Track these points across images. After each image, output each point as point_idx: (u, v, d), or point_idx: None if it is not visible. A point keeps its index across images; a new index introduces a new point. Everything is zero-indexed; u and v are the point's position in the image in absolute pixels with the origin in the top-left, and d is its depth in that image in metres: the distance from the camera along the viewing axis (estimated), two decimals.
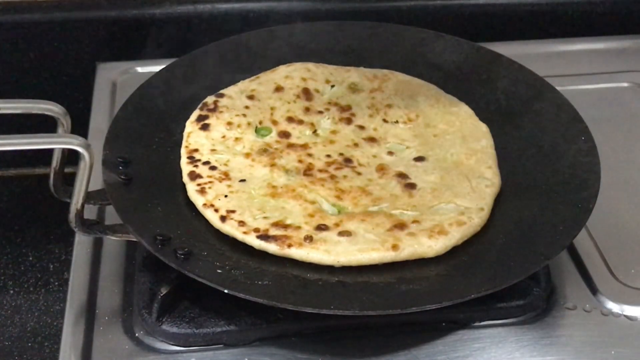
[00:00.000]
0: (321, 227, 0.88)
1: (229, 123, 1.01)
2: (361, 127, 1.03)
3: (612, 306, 0.91)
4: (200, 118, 1.02)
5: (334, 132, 1.03)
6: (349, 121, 1.04)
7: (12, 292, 1.14)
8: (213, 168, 0.95)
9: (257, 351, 0.85)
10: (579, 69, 1.27)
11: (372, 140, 1.02)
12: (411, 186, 0.95)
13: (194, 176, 0.94)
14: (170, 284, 0.86)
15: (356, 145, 1.01)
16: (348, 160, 0.98)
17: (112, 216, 0.92)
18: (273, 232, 0.87)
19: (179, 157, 0.97)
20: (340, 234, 0.88)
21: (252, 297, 0.80)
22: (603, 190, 0.91)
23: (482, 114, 1.05)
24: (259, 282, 0.83)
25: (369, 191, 0.94)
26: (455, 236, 0.88)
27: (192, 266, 0.83)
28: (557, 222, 0.89)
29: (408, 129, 1.04)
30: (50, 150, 0.90)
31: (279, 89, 1.07)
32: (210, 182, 0.93)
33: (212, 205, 0.90)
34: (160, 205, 0.91)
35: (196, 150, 0.98)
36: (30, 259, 1.18)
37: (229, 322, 0.85)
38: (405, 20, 1.34)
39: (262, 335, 0.86)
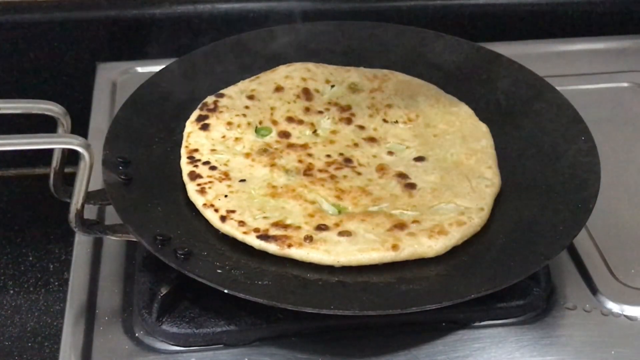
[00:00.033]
0: (321, 227, 0.88)
1: (229, 123, 1.01)
2: (361, 127, 1.03)
3: (612, 306, 0.91)
4: (200, 118, 1.02)
5: (334, 132, 1.03)
6: (349, 121, 1.04)
7: (12, 292, 1.14)
8: (213, 168, 0.95)
9: (257, 351, 0.85)
10: (579, 69, 1.27)
11: (372, 140, 1.02)
12: (411, 186, 0.95)
13: (194, 176, 0.94)
14: (170, 284, 0.86)
15: (356, 145, 1.01)
16: (348, 160, 0.98)
17: (112, 216, 0.92)
18: (273, 232, 0.87)
19: (179, 157, 0.97)
20: (340, 234, 0.88)
21: (252, 297, 0.80)
22: (603, 190, 0.91)
23: (482, 114, 1.05)
24: (259, 282, 0.83)
25: (369, 191, 0.94)
26: (455, 236, 0.88)
27: (192, 266, 0.83)
28: (557, 222, 0.89)
29: (408, 129, 1.04)
30: (50, 150, 0.90)
31: (279, 89, 1.07)
32: (210, 182, 0.93)
33: (212, 205, 0.90)
34: (160, 205, 0.91)
35: (196, 150, 0.98)
36: (30, 259, 1.18)
37: (229, 322, 0.85)
38: (405, 20, 1.34)
39: (262, 335, 0.86)
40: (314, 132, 1.02)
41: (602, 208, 0.92)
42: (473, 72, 1.11)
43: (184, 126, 1.01)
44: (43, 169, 1.29)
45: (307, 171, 0.96)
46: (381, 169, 0.97)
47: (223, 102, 1.04)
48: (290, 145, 1.00)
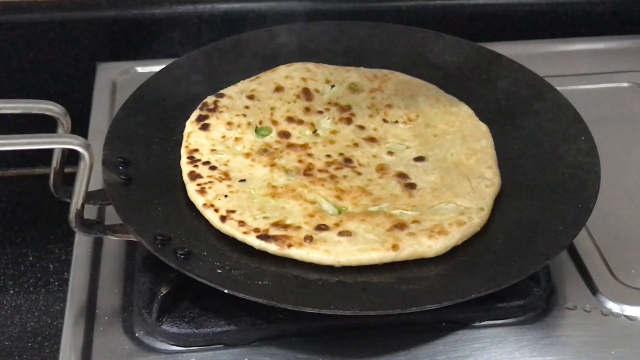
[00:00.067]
0: (321, 227, 0.88)
1: (229, 123, 1.01)
2: (361, 127, 1.03)
3: (612, 306, 0.91)
4: (200, 118, 1.02)
5: (334, 132, 1.03)
6: (349, 121, 1.04)
7: (12, 292, 1.14)
8: (213, 168, 0.95)
9: (257, 351, 0.85)
10: (579, 69, 1.27)
11: (372, 140, 1.02)
12: (411, 186, 0.95)
13: (194, 176, 0.94)
14: (170, 284, 0.86)
15: (356, 145, 1.01)
16: (348, 160, 0.98)
17: (112, 216, 0.92)
18: (273, 232, 0.87)
19: (179, 157, 0.97)
20: (340, 234, 0.88)
21: (252, 297, 0.80)
22: (603, 190, 0.92)
23: (482, 114, 1.05)
24: (259, 282, 0.83)
25: (369, 191, 0.94)
26: (455, 236, 0.88)
27: (192, 266, 0.83)
28: (557, 222, 0.89)
29: (408, 129, 1.04)
30: (50, 150, 0.90)
31: (279, 89, 1.07)
32: (210, 182, 0.93)
33: (212, 205, 0.90)
34: (160, 205, 0.91)
35: (196, 150, 0.98)
36: (30, 259, 1.18)
37: (229, 322, 0.85)
38: (405, 20, 1.34)
39: (262, 335, 0.86)
40: (314, 132, 1.02)
41: (602, 208, 0.92)
42: (473, 72, 1.11)
43: (184, 126, 1.01)
44: (43, 169, 1.29)
45: (307, 171, 0.96)
46: (381, 169, 0.97)
47: (223, 102, 1.04)
48: (290, 145, 1.00)
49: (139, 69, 1.25)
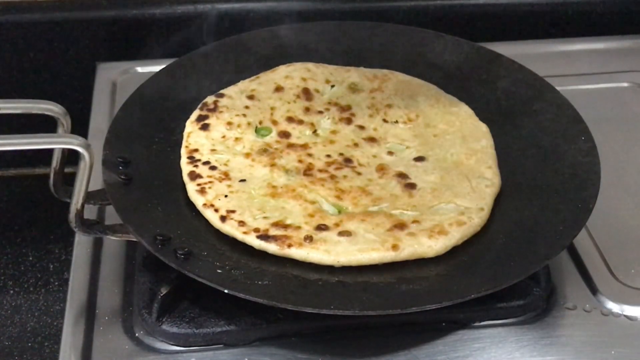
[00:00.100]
0: (321, 227, 0.88)
1: (229, 123, 1.01)
2: (361, 127, 1.03)
3: (612, 306, 0.91)
4: (200, 118, 1.02)
5: (334, 132, 1.03)
6: (349, 121, 1.04)
7: (12, 292, 1.14)
8: (213, 168, 0.95)
9: (257, 351, 0.85)
10: (579, 69, 1.27)
11: (372, 140, 1.02)
12: (411, 186, 0.95)
13: (194, 176, 0.94)
14: (170, 284, 0.86)
15: (356, 145, 1.01)
16: (348, 160, 0.98)
17: (112, 216, 0.92)
18: (273, 232, 0.87)
19: (179, 157, 0.97)
20: (340, 234, 0.88)
21: (252, 297, 0.80)
22: (603, 190, 0.92)
23: (482, 114, 1.05)
24: (259, 282, 0.83)
25: (369, 191, 0.94)
26: (455, 236, 0.88)
27: (192, 266, 0.83)
28: (557, 222, 0.89)
29: (408, 129, 1.04)
30: (50, 150, 0.90)
31: (279, 89, 1.07)
32: (210, 182, 0.93)
33: (212, 205, 0.90)
34: (160, 205, 0.91)
35: (196, 150, 0.98)
36: (30, 259, 1.18)
37: (229, 322, 0.85)
38: (405, 20, 1.34)
39: (262, 335, 0.86)
40: (314, 132, 1.02)
41: (602, 208, 0.92)
42: (473, 72, 1.11)
43: (184, 126, 1.01)
44: (43, 169, 1.29)
45: (307, 171, 0.96)
46: (381, 169, 0.97)
47: (223, 102, 1.04)
48: (290, 145, 1.00)
49: (139, 69, 1.25)
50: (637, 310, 0.90)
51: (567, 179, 0.94)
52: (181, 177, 0.95)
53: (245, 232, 0.88)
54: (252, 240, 0.87)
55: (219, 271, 0.83)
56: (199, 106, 1.04)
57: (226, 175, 0.95)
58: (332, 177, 0.95)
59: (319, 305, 0.80)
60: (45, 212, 1.24)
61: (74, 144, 0.81)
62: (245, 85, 1.08)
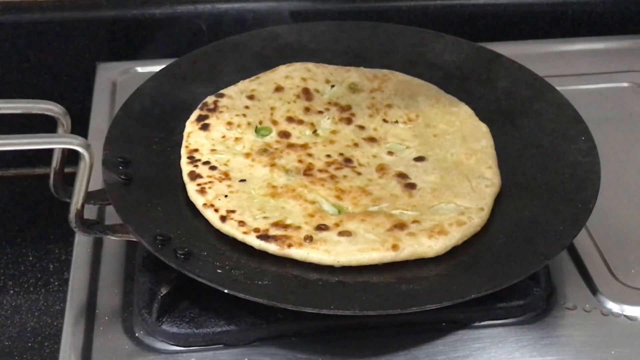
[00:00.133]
0: (321, 227, 0.88)
1: (229, 123, 1.01)
2: (361, 127, 1.03)
3: (612, 306, 0.91)
4: (200, 118, 1.02)
5: (334, 132, 1.03)
6: (349, 121, 1.04)
7: (12, 292, 1.14)
8: (213, 168, 0.95)
9: (257, 351, 0.85)
10: (579, 69, 1.27)
11: (372, 140, 1.02)
12: (411, 186, 0.95)
13: (194, 176, 0.94)
14: (170, 284, 0.86)
15: (356, 145, 1.01)
16: (348, 160, 0.98)
17: (112, 216, 0.92)
18: (273, 232, 0.87)
19: (179, 157, 0.97)
20: (340, 234, 0.88)
21: (252, 297, 0.80)
22: (603, 190, 0.92)
23: (482, 114, 1.05)
24: (259, 282, 0.83)
25: (369, 191, 0.94)
26: (455, 236, 0.88)
27: (192, 266, 0.83)
28: (557, 222, 0.89)
29: (408, 129, 1.04)
30: (50, 150, 0.90)
31: (279, 89, 1.07)
32: (210, 182, 0.93)
33: (212, 205, 0.90)
34: (160, 205, 0.91)
35: (196, 150, 0.98)
36: (30, 259, 1.18)
37: (229, 322, 0.85)
38: (405, 20, 1.34)
39: (262, 335, 0.86)
40: (314, 132, 1.02)
41: (602, 208, 0.92)
42: (473, 72, 1.11)
43: (184, 126, 1.01)
44: (43, 169, 1.29)
45: (307, 171, 0.96)
46: (381, 169, 0.97)
47: (223, 102, 1.04)
48: (290, 145, 1.00)
49: (139, 69, 1.25)
50: (637, 310, 0.90)
51: (567, 179, 0.94)
52: (181, 177, 0.95)
53: (245, 232, 0.88)
54: (252, 240, 0.87)
55: (219, 271, 0.83)
56: (199, 106, 1.04)
57: (226, 175, 0.95)
58: (332, 177, 0.95)
59: (319, 305, 0.80)
60: (45, 212, 1.24)
61: (74, 144, 0.81)
62: (245, 85, 1.08)
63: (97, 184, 0.94)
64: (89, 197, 0.88)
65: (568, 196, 0.92)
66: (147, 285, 0.88)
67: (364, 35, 1.17)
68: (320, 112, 1.05)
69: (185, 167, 0.95)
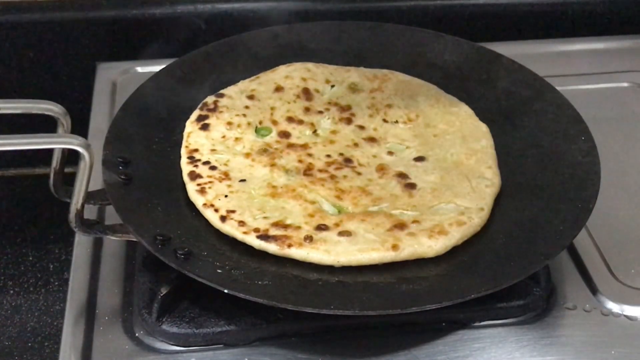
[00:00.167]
0: (321, 227, 0.88)
1: (229, 123, 1.01)
2: (361, 127, 1.03)
3: (612, 306, 0.91)
4: (200, 118, 1.02)
5: (334, 132, 1.03)
6: (349, 121, 1.04)
7: (12, 292, 1.14)
8: (213, 168, 0.95)
9: (257, 351, 0.85)
10: (579, 69, 1.27)
11: (372, 140, 1.02)
12: (411, 186, 0.95)
13: (194, 176, 0.94)
14: (170, 284, 0.86)
15: (356, 145, 1.01)
16: (348, 160, 0.98)
17: (112, 216, 0.92)
18: (273, 232, 0.87)
19: (179, 157, 0.97)
20: (340, 234, 0.88)
21: (252, 297, 0.80)
22: (603, 190, 0.92)
23: (482, 114, 1.05)
24: (259, 282, 0.83)
25: (369, 191, 0.94)
26: (455, 236, 0.88)
27: (192, 266, 0.83)
28: (557, 222, 0.89)
29: (408, 129, 1.04)
30: (50, 150, 0.90)
31: (279, 89, 1.07)
32: (210, 182, 0.93)
33: (212, 205, 0.90)
34: (160, 205, 0.91)
35: (196, 150, 0.98)
36: (30, 259, 1.19)
37: (229, 322, 0.85)
38: (405, 20, 1.34)
39: (262, 335, 0.86)
40: (314, 132, 1.02)
41: (602, 208, 0.92)
42: (473, 72, 1.11)
43: (184, 126, 1.01)
44: (43, 169, 1.29)
45: (307, 171, 0.96)
46: (381, 169, 0.97)
47: (223, 102, 1.04)
48: (290, 145, 1.00)
49: (139, 69, 1.25)
50: (637, 310, 0.90)
51: (567, 179, 0.94)
52: (181, 177, 0.95)
53: (245, 232, 0.88)
54: (252, 240, 0.87)
55: (219, 271, 0.83)
56: (199, 106, 1.04)
57: (226, 175, 0.95)
58: (332, 177, 0.95)
59: (319, 305, 0.80)
60: (45, 212, 1.24)
61: (74, 144, 0.81)
62: (245, 85, 1.08)
63: (97, 184, 0.94)
64: (89, 197, 0.88)
65: (568, 196, 0.92)
66: (147, 285, 0.88)
67: (364, 35, 1.17)
68: (320, 112, 1.05)
69: (185, 167, 0.95)
